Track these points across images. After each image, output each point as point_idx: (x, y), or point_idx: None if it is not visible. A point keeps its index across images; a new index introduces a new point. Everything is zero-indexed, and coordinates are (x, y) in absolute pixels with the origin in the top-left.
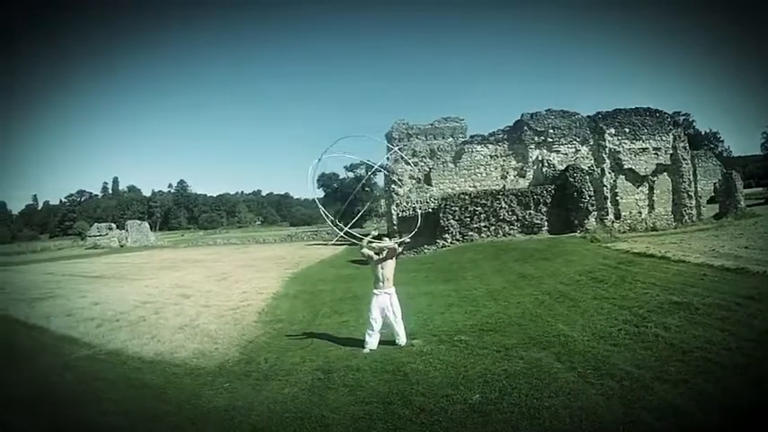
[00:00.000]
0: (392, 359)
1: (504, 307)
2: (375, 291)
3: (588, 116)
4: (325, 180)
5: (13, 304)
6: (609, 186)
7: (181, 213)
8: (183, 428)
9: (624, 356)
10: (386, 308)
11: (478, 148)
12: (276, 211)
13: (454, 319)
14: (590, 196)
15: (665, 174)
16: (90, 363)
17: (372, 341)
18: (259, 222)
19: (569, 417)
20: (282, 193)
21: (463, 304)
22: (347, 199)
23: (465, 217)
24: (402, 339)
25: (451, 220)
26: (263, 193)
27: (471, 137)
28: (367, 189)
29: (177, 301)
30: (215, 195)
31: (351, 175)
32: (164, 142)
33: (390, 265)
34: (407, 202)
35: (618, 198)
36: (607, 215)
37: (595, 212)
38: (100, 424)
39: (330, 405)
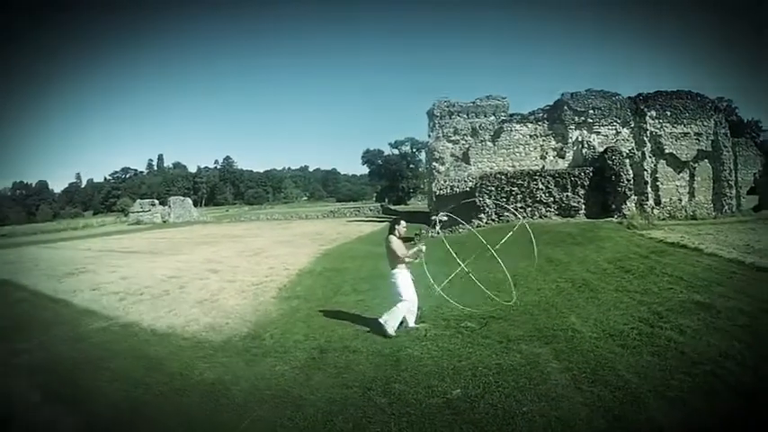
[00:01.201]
0: (392, 343)
1: (522, 293)
2: (398, 270)
3: (629, 97)
4: (369, 156)
5: (44, 279)
6: (649, 171)
7: (227, 189)
8: (167, 397)
9: (627, 361)
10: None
11: (517, 126)
12: (323, 187)
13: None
14: (628, 180)
15: (705, 161)
16: (102, 334)
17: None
18: (305, 198)
19: (543, 427)
20: (329, 168)
21: None
22: (391, 176)
23: (501, 197)
24: (412, 321)
25: (487, 200)
26: (311, 169)
27: (510, 115)
28: (412, 166)
29: (204, 276)
30: (261, 171)
31: (396, 151)
32: (211, 120)
33: None
34: (445, 181)
35: (658, 184)
36: (647, 200)
37: (635, 197)
38: (92, 389)
39: (312, 385)
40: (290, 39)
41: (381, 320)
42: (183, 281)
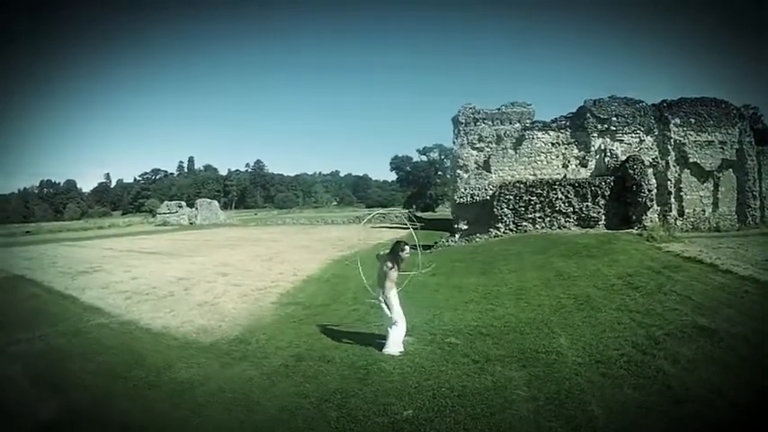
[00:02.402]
0: (368, 355)
1: (520, 309)
2: (389, 290)
3: (653, 104)
4: (398, 163)
5: (59, 276)
6: (673, 181)
7: (257, 193)
8: (138, 391)
9: (603, 395)
10: None
11: (539, 134)
12: (353, 192)
13: (463, 318)
14: (649, 190)
15: (729, 170)
16: (99, 330)
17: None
18: (335, 203)
19: None
20: (361, 174)
21: (482, 302)
22: (419, 182)
23: (519, 206)
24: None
25: (505, 209)
26: (342, 174)
27: (532, 123)
28: (440, 173)
29: (212, 279)
30: (292, 175)
31: (423, 158)
32: (243, 123)
33: None
34: (466, 189)
35: (682, 194)
36: (670, 211)
37: (657, 208)
38: (76, 379)
39: (272, 392)
40: (325, 41)
41: (385, 352)
42: (191, 283)
